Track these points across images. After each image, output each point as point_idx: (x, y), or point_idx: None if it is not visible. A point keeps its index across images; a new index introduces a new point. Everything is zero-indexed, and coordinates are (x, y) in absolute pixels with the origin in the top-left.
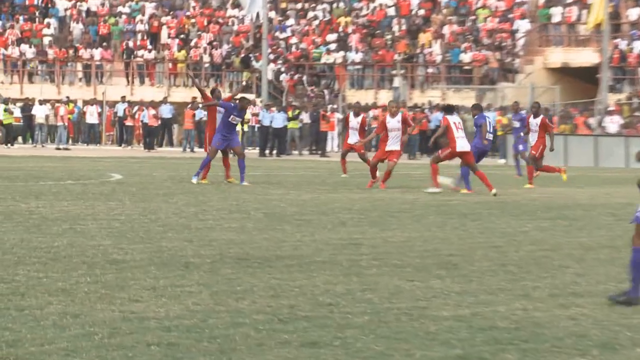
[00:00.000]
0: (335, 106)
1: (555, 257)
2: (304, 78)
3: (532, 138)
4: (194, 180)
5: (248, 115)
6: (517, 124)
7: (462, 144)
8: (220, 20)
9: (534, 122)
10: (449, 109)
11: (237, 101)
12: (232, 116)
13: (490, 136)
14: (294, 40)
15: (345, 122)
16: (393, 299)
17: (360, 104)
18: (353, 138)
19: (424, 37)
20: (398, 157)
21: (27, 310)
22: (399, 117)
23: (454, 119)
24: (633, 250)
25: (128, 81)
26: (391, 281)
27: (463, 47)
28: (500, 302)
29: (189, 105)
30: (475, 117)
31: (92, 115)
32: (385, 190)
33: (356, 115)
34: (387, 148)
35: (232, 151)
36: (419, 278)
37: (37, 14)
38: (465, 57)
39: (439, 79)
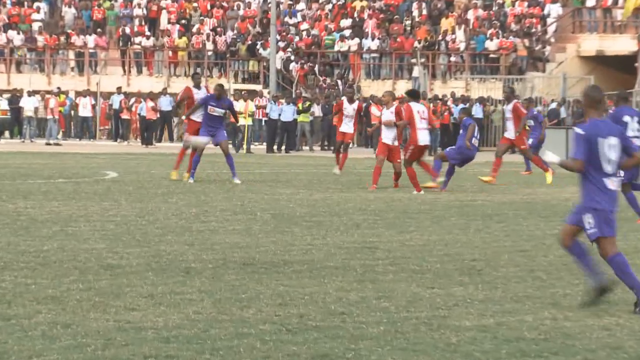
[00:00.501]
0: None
1: None
2: (316, 67)
3: (510, 127)
4: (191, 181)
5: (252, 108)
6: (530, 122)
7: (424, 137)
8: (225, 5)
9: (507, 109)
10: (413, 95)
11: (214, 90)
12: (209, 107)
13: (475, 141)
14: (304, 26)
15: (337, 108)
16: (411, 308)
17: (376, 96)
18: (346, 127)
19: (446, 23)
20: (400, 154)
21: (14, 320)
22: (392, 109)
23: (418, 108)
24: (572, 251)
25: (124, 70)
26: (409, 288)
27: (489, 34)
28: (527, 311)
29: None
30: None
31: (85, 108)
32: (401, 190)
33: (350, 101)
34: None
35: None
36: (439, 285)
37: None
38: (491, 45)
39: (462, 69)
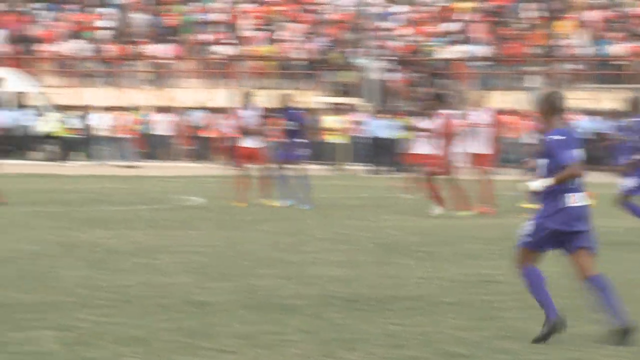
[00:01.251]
0: (457, 111)
1: None
2: (418, 77)
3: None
4: (286, 204)
5: (345, 123)
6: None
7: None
8: (314, 9)
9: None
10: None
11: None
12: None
13: None
14: (402, 31)
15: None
16: (540, 349)
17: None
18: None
19: (564, 26)
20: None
21: None
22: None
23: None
24: (525, 274)
25: (203, 83)
26: (535, 326)
27: (612, 38)
28: None
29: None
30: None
31: (161, 125)
32: (515, 216)
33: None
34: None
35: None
36: (570, 322)
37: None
38: (615, 50)
39: (584, 77)
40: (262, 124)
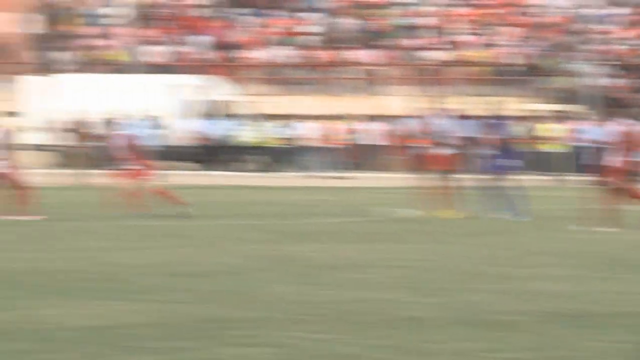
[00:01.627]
0: None
1: None
2: None
3: None
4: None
5: (562, 132)
6: None
7: None
8: (529, 11)
9: None
10: None
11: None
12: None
13: None
14: (623, 34)
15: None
16: None
17: None
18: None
19: None
20: None
21: None
22: None
23: None
24: None
25: (413, 90)
26: None
27: None
28: None
29: None
30: None
31: (371, 135)
32: None
33: None
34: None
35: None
36: None
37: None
38: None
39: None
40: (464, 133)
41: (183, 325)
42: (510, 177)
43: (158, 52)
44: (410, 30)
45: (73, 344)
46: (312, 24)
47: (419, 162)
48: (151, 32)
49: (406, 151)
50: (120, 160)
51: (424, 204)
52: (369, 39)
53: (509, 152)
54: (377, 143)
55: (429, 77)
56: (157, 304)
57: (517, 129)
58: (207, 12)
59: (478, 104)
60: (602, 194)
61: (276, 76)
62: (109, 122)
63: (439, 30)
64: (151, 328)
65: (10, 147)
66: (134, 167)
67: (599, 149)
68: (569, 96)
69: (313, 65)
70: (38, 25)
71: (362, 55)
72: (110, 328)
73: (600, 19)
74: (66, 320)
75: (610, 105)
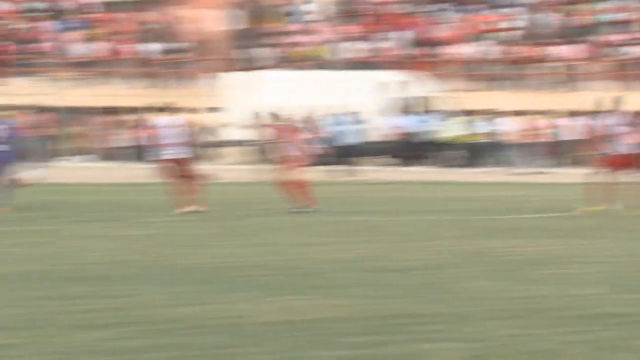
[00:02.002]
0: None
1: None
2: None
3: None
4: None
5: None
6: None
7: None
8: None
9: None
10: None
11: None
12: None
13: None
14: None
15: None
16: None
17: None
18: None
19: None
20: None
21: None
22: None
23: None
24: None
25: (614, 85)
26: None
27: None
28: None
29: None
30: None
31: (571, 130)
32: None
33: None
34: None
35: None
36: None
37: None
38: None
39: None
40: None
41: (377, 320)
42: None
43: (359, 48)
44: (613, 25)
45: (268, 339)
46: (513, 19)
47: (612, 160)
48: (352, 28)
49: (601, 147)
50: (280, 154)
51: (622, 200)
52: (570, 34)
53: None
54: (576, 138)
55: (631, 72)
56: (352, 299)
57: None
58: (407, 8)
59: None
60: None
61: (476, 72)
62: (309, 119)
63: None
64: (346, 322)
65: (193, 141)
66: (291, 160)
67: None
68: None
69: (513, 61)
70: (240, 22)
71: (563, 50)
72: (305, 322)
73: None
74: (261, 314)
75: None
